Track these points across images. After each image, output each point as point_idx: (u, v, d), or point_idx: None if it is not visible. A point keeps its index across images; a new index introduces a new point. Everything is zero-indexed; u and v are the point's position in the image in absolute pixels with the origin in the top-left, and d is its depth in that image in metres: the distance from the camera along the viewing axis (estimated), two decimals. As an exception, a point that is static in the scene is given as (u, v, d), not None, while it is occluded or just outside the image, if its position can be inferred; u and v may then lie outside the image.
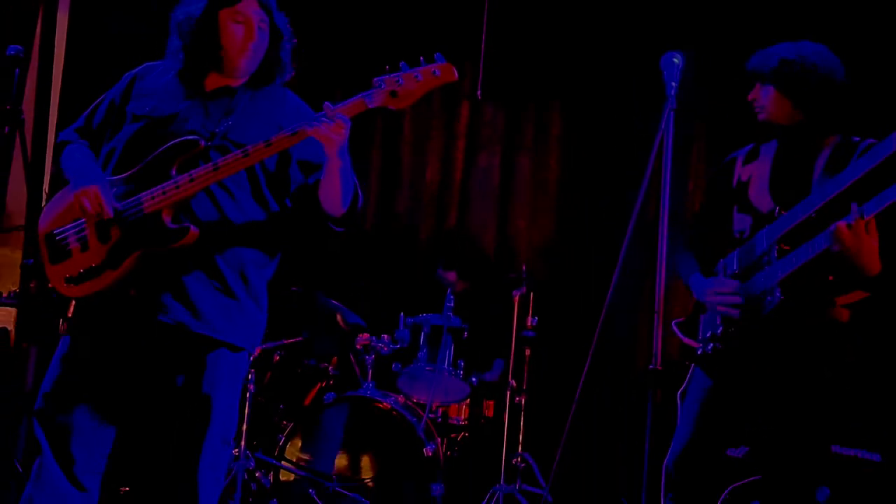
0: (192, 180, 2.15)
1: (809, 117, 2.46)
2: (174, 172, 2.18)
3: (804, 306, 2.34)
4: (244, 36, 2.26)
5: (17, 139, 2.53)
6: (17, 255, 3.98)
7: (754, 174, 2.55)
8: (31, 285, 2.86)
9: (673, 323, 2.68)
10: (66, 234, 2.26)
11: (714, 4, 4.34)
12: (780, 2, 4.18)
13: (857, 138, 2.43)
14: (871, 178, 2.16)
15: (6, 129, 2.49)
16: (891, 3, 3.93)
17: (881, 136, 2.35)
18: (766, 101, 2.50)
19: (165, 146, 2.20)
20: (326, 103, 2.14)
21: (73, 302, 2.25)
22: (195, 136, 2.21)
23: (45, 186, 3.66)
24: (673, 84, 2.44)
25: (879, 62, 3.82)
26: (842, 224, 2.14)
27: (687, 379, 2.61)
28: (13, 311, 3.76)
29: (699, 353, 2.55)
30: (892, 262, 2.23)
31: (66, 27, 4.23)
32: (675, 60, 2.46)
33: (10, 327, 3.80)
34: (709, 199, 2.78)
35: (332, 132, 2.10)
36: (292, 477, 3.59)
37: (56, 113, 4.23)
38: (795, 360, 2.37)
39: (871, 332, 2.57)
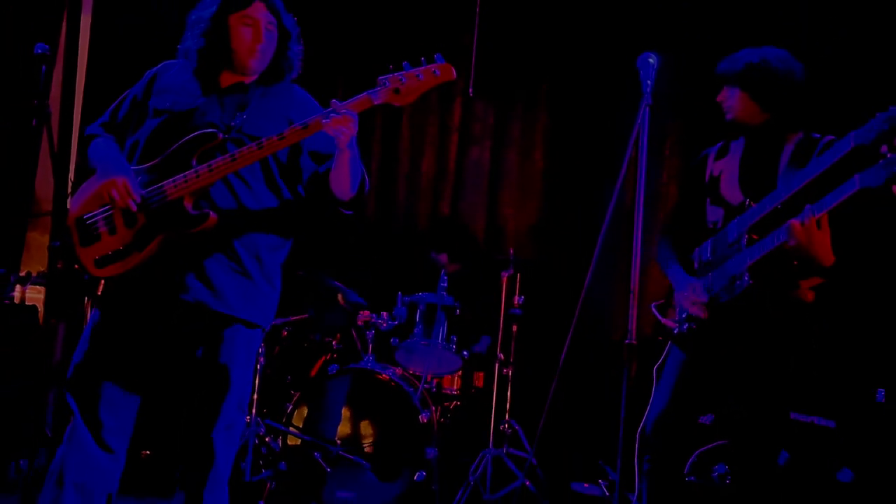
0: (211, 170, 2.16)
1: (774, 116, 2.47)
2: (195, 163, 2.18)
3: (770, 289, 2.37)
4: (253, 38, 2.26)
5: (45, 132, 2.53)
6: (46, 239, 3.99)
7: (725, 170, 2.57)
8: (58, 266, 2.87)
9: (652, 305, 2.71)
10: (96, 218, 2.26)
11: (690, 11, 4.38)
12: (747, 10, 4.21)
13: (818, 135, 2.45)
14: (831, 173, 2.19)
15: (34, 122, 2.48)
16: (847, 8, 3.97)
17: (836, 131, 2.39)
18: (733, 102, 2.51)
19: (186, 138, 2.21)
20: (334, 101, 2.15)
21: (103, 281, 2.26)
22: (214, 129, 2.22)
23: (71, 175, 3.66)
24: (648, 82, 2.45)
25: (837, 62, 3.86)
26: (795, 221, 2.17)
27: (663, 355, 2.64)
28: (42, 289, 3.77)
29: (675, 332, 2.58)
30: (846, 253, 2.26)
31: (89, 27, 4.20)
32: (651, 60, 2.47)
33: (40, 305, 3.82)
34: (684, 193, 2.80)
35: (342, 125, 2.11)
36: (299, 441, 3.62)
37: (80, 106, 4.21)
38: (762, 337, 2.40)
39: (831, 311, 2.61)
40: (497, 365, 4.02)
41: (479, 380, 4.25)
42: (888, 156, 2.00)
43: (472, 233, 4.78)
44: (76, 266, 2.28)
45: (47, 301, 3.67)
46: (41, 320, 3.73)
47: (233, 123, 2.25)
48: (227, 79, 2.33)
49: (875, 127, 2.04)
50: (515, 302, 4.11)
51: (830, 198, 2.14)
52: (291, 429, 3.61)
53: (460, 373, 4.07)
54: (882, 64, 3.78)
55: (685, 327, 2.54)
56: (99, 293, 2.26)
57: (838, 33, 3.93)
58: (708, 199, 2.58)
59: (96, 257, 2.25)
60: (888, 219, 3.00)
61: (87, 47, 4.17)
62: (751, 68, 2.46)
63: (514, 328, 4.11)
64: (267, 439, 3.68)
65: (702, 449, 3.32)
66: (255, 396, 3.59)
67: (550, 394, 2.74)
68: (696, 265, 2.59)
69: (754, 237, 2.35)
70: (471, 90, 4.50)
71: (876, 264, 3.52)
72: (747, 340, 2.42)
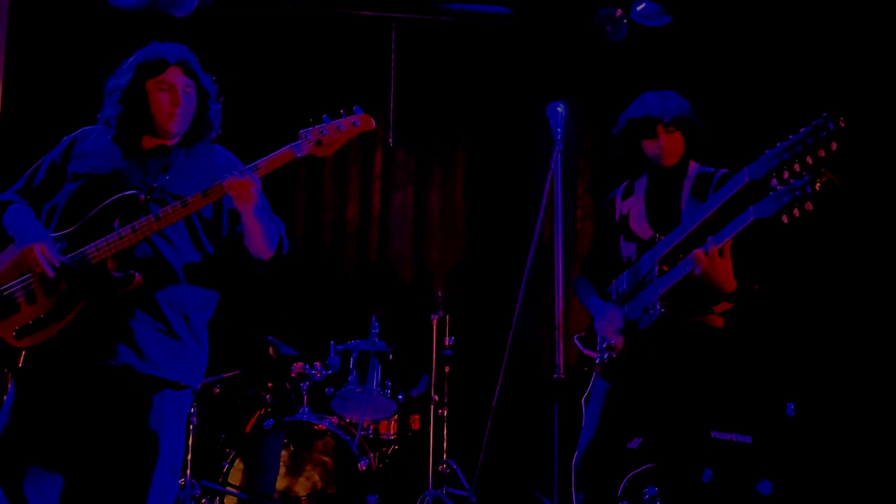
0: (134, 231, 2.12)
1: (688, 154, 2.60)
2: (116, 225, 2.14)
3: (681, 316, 2.47)
4: (170, 102, 2.25)
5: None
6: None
7: (633, 207, 2.67)
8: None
9: (575, 337, 2.76)
10: (14, 289, 2.18)
11: (591, 62, 4.60)
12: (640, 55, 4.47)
13: (711, 169, 2.59)
14: (729, 205, 2.31)
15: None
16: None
17: (717, 162, 2.55)
18: (675, 146, 2.58)
19: (107, 201, 2.17)
20: (252, 164, 2.14)
21: (24, 352, 2.16)
22: (135, 191, 2.18)
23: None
24: (558, 129, 2.57)
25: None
26: (699, 251, 2.28)
27: (589, 386, 2.69)
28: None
29: (597, 361, 2.64)
30: (749, 278, 2.37)
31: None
32: (559, 109, 2.59)
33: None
34: (598, 233, 2.90)
35: (239, 187, 2.10)
36: (236, 501, 3.51)
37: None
38: (676, 361, 2.48)
39: (740, 334, 2.72)
40: (432, 406, 4.02)
41: (415, 422, 4.23)
42: (777, 188, 2.13)
43: (401, 278, 4.80)
44: None
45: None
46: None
47: (155, 184, 2.23)
48: (148, 142, 2.30)
49: (765, 163, 2.18)
50: (446, 343, 4.14)
51: (729, 228, 2.26)
52: (228, 488, 3.50)
53: (396, 417, 4.05)
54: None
55: (605, 357, 2.60)
56: (20, 364, 2.15)
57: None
58: (621, 236, 2.68)
59: (16, 328, 2.16)
60: (782, 244, 3.19)
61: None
62: (690, 113, 2.56)
63: (447, 369, 4.13)
64: (203, 501, 3.56)
65: (632, 473, 3.38)
66: (189, 457, 3.48)
67: (486, 431, 2.76)
68: (614, 297, 2.68)
69: (664, 268, 2.45)
70: (391, 140, 4.57)
71: (777, 286, 3.72)
72: (664, 367, 2.49)
